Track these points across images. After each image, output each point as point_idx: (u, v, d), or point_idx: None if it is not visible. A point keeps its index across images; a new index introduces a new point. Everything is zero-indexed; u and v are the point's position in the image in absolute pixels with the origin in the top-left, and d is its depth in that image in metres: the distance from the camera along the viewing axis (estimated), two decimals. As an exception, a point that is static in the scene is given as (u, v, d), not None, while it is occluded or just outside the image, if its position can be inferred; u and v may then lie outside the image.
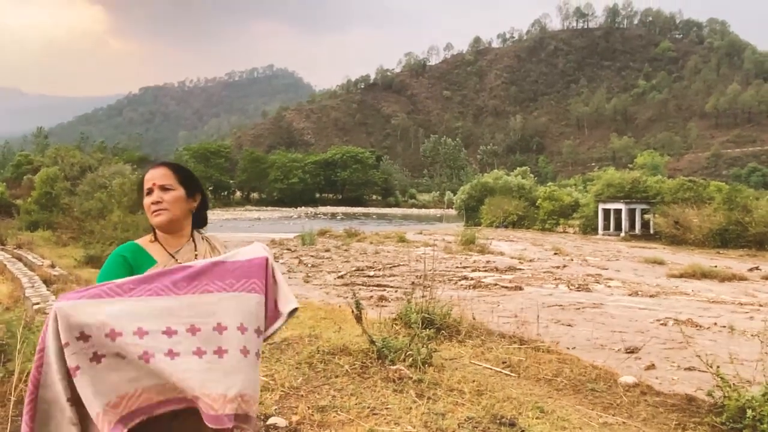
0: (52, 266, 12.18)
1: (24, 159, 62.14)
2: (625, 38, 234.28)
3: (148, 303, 1.71)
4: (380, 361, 4.29)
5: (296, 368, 4.26)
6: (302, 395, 3.70)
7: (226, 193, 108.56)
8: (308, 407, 3.46)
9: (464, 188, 61.97)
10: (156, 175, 1.96)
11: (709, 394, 4.02)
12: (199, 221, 2.10)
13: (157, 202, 1.91)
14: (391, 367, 4.17)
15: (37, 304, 7.18)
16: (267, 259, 1.89)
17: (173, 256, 1.91)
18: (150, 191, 1.94)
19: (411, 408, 3.49)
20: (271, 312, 1.85)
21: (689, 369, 9.25)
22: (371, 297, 15.92)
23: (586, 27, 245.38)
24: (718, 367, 4.79)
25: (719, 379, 4.04)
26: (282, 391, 3.78)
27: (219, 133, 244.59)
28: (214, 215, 66.18)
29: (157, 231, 1.98)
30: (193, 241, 2.04)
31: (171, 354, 1.68)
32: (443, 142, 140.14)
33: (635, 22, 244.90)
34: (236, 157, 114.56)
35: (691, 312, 13.55)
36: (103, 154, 59.29)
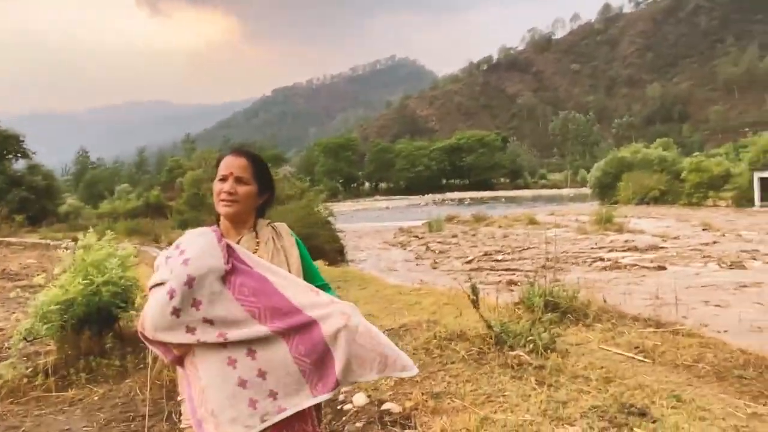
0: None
1: (175, 164, 68.10)
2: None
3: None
4: (498, 346, 4.13)
5: (413, 354, 4.22)
6: (417, 381, 3.65)
7: (354, 184, 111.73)
8: (422, 393, 3.40)
9: (598, 165, 58.78)
10: (234, 165, 1.97)
11: None
12: (260, 212, 2.09)
13: (231, 193, 1.93)
14: (510, 352, 4.00)
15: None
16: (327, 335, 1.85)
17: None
18: (225, 178, 1.96)
19: (530, 395, 3.31)
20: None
21: None
22: (499, 282, 15.58)
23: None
24: None
25: None
26: (396, 378, 3.76)
27: (346, 127, 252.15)
28: (344, 206, 68.40)
29: (221, 219, 2.00)
30: (255, 229, 2.04)
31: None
32: (573, 118, 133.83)
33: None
34: (363, 149, 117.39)
35: None
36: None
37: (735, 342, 7.92)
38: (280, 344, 1.80)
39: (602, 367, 3.90)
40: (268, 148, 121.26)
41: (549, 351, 4.09)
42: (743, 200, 41.21)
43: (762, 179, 39.91)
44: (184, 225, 31.96)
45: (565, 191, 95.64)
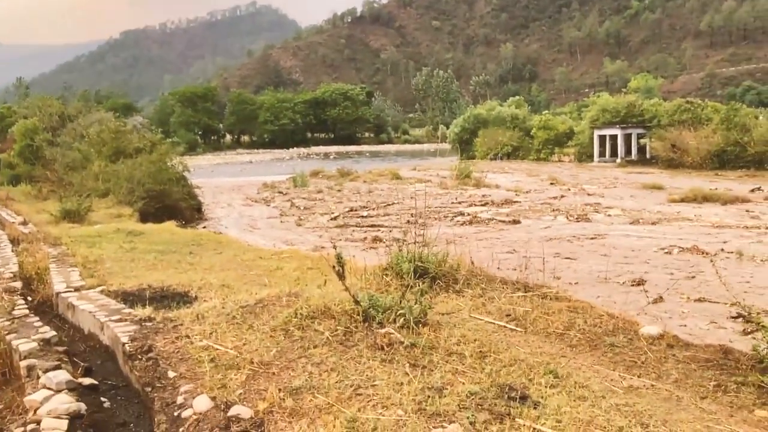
0: (24, 223, 11.53)
1: (7, 111, 60.24)
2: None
3: None
4: (366, 324, 3.72)
5: (270, 337, 3.69)
6: (274, 373, 3.15)
7: (215, 137, 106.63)
8: (279, 390, 2.91)
9: (457, 121, 60.68)
10: None
11: (755, 349, 3.48)
12: None
13: None
14: (380, 330, 3.61)
15: (-6, 268, 6.60)
16: None
17: None
18: None
19: (402, 384, 2.94)
20: None
21: (700, 300, 8.83)
22: (365, 238, 15.41)
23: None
24: (747, 305, 4.25)
25: (759, 327, 3.51)
26: (250, 369, 3.22)
27: (205, 76, 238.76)
28: (204, 160, 65.01)
29: None
30: None
31: None
32: (435, 75, 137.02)
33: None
34: (224, 99, 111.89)
35: (696, 238, 13.10)
36: (85, 102, 57.50)
37: (593, 301, 8.21)
38: None
39: (476, 340, 3.64)
40: (117, 95, 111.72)
41: (421, 325, 3.76)
42: (584, 156, 44.71)
43: (600, 137, 43.39)
44: (16, 180, 28.37)
45: (426, 146, 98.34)
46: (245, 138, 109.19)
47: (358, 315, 3.80)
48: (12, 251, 7.87)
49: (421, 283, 4.84)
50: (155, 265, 7.44)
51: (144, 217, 16.07)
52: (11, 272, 6.39)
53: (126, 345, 3.79)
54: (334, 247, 4.15)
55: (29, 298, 5.84)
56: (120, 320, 4.36)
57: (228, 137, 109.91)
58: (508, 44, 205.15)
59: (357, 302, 3.84)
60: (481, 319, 4.15)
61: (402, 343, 3.49)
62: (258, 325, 3.93)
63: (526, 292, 4.78)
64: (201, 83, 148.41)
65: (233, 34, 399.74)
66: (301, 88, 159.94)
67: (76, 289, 5.67)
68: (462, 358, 3.38)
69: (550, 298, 4.68)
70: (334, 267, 4.07)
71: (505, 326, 4.04)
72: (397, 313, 3.82)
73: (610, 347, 3.66)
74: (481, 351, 3.51)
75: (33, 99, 53.27)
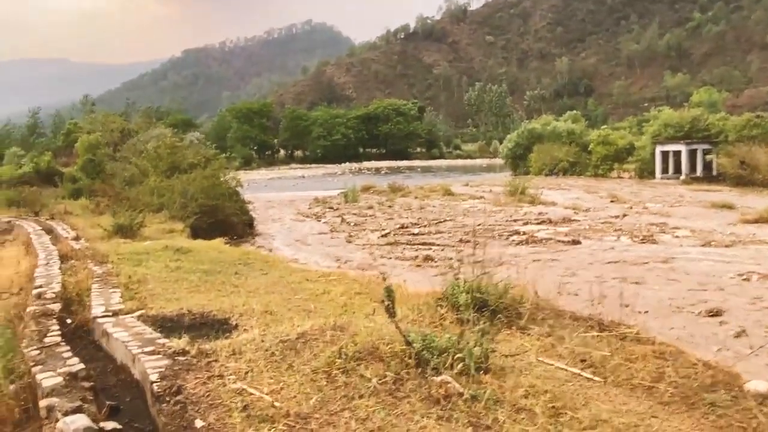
0: (77, 239, 11.60)
1: (74, 127, 62.78)
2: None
3: None
4: (420, 369, 3.25)
5: (311, 380, 3.27)
6: (312, 430, 2.71)
7: (270, 152, 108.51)
8: (318, 455, 2.46)
9: (511, 136, 59.63)
10: None
11: None
12: None
13: None
14: (435, 379, 3.13)
15: (39, 287, 6.46)
16: None
17: None
18: None
19: (463, 451, 2.45)
20: None
21: (789, 336, 7.95)
22: (416, 257, 14.91)
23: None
24: None
25: None
26: (286, 423, 2.80)
27: (261, 92, 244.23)
28: (258, 175, 66.02)
29: None
30: None
31: None
32: (488, 90, 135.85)
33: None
34: (278, 115, 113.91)
35: (777, 264, 12.04)
36: (146, 119, 59.41)
37: (661, 323, 7.47)
38: None
39: (547, 392, 3.12)
40: (177, 112, 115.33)
41: (482, 371, 3.26)
42: (646, 172, 42.97)
43: (663, 152, 41.63)
44: (77, 194, 29.18)
45: (479, 161, 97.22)
46: (298, 153, 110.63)
47: (410, 358, 3.33)
48: (59, 269, 7.79)
49: (480, 318, 4.34)
50: (198, 287, 7.19)
51: (195, 233, 16.07)
52: (53, 293, 6.23)
53: (154, 384, 3.45)
54: (384, 279, 3.70)
55: (68, 321, 5.64)
56: (152, 353, 4.03)
57: (282, 152, 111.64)
58: (563, 58, 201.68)
59: (409, 343, 3.37)
60: (551, 364, 3.62)
61: (461, 395, 3.01)
62: (298, 364, 3.52)
63: (601, 332, 4.21)
64: (257, 99, 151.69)
65: (289, 51, 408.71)
66: (354, 103, 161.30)
67: (114, 314, 5.43)
68: (532, 416, 2.87)
69: (631, 340, 4.10)
70: (383, 301, 3.63)
71: (580, 374, 3.49)
72: (455, 357, 3.34)
73: (711, 407, 3.07)
74: (554, 407, 2.99)
75: (97, 115, 55.42)
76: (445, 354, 3.35)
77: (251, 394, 3.19)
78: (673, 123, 42.45)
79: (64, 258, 8.79)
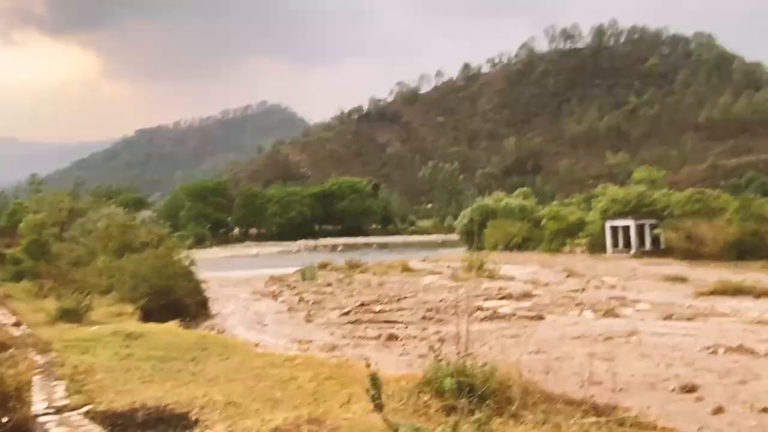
0: (17, 324, 10.76)
1: (19, 207, 60.63)
2: (613, 56, 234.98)
3: None
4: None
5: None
6: None
7: (224, 230, 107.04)
8: None
9: (465, 212, 60.75)
10: None
11: None
12: None
13: None
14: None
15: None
16: None
17: None
18: None
19: None
20: None
21: (766, 410, 7.82)
22: (379, 336, 14.46)
23: (573, 48, 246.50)
24: None
25: None
26: None
27: (215, 171, 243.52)
28: (212, 253, 64.54)
29: None
30: None
31: None
32: (440, 168, 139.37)
33: (622, 40, 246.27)
34: (233, 193, 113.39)
35: (740, 336, 12.13)
36: (96, 198, 58.01)
37: (639, 401, 7.24)
38: None
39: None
40: (128, 191, 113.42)
41: (483, 469, 2.92)
42: (597, 246, 43.99)
43: (613, 227, 42.89)
44: (19, 276, 27.68)
45: (434, 237, 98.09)
46: (253, 230, 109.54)
47: (402, 458, 2.97)
48: (-6, 360, 7.08)
49: (467, 404, 4.02)
50: (152, 376, 6.59)
51: (147, 315, 15.25)
52: (-12, 387, 5.59)
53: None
54: (368, 365, 3.37)
55: (5, 420, 5.00)
56: (102, 457, 3.53)
57: (236, 230, 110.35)
58: (511, 138, 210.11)
59: (401, 444, 3.02)
60: (555, 459, 3.30)
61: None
62: (274, 469, 3.10)
63: (598, 416, 3.93)
64: (212, 178, 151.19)
65: (244, 131, 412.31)
66: (309, 181, 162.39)
67: (58, 410, 4.85)
68: None
69: (631, 425, 3.83)
70: (367, 390, 3.29)
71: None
72: (452, 455, 2.99)
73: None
74: None
75: (44, 194, 53.85)
76: (441, 452, 3.00)
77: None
78: (620, 199, 44.07)
79: (2, 347, 8.04)
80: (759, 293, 17.64)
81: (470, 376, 4.31)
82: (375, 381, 3.21)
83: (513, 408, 4.06)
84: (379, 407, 3.10)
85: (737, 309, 15.53)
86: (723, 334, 12.28)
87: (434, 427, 3.28)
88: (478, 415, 3.20)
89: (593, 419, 3.83)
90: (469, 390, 4.23)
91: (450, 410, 3.94)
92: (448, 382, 4.19)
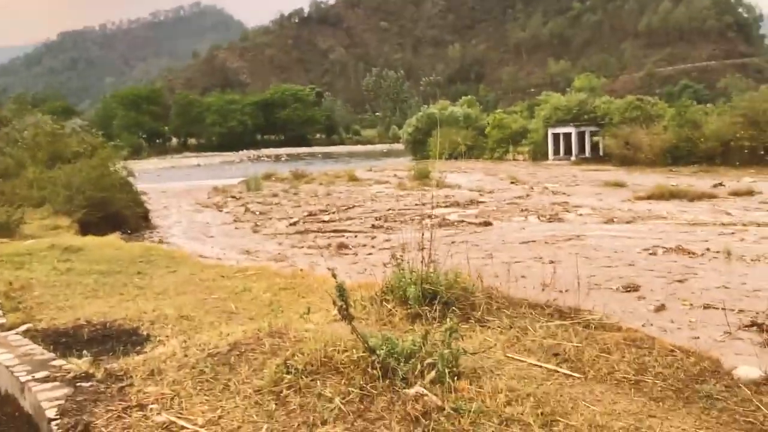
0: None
1: (-71, 117, 56.13)
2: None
3: None
4: (388, 381, 2.78)
5: (256, 404, 2.71)
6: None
7: (161, 140, 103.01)
8: None
9: (410, 121, 60.29)
10: None
11: None
12: None
13: None
14: (408, 391, 2.67)
15: None
16: None
17: None
18: None
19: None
20: None
21: (705, 307, 8.22)
22: (329, 245, 14.39)
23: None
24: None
25: None
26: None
27: (148, 78, 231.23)
28: (150, 164, 62.26)
29: None
30: None
31: None
32: (385, 75, 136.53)
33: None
34: (169, 101, 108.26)
35: (677, 237, 12.65)
36: (20, 105, 54.16)
37: (585, 301, 7.41)
38: None
39: (530, 395, 2.76)
40: (55, 98, 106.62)
41: (455, 376, 2.85)
42: (539, 154, 44.81)
43: (554, 135, 43.55)
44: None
45: (379, 147, 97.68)
46: (192, 141, 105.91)
47: (374, 368, 2.85)
48: None
49: (432, 311, 3.94)
50: (96, 291, 6.26)
51: (85, 228, 14.59)
52: None
53: (53, 423, 2.74)
54: (334, 275, 3.19)
55: (-67, 342, 4.64)
56: (47, 379, 3.28)
57: (174, 140, 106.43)
58: (455, 45, 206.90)
59: (372, 350, 2.88)
60: (523, 361, 3.27)
61: (442, 409, 2.57)
62: (236, 384, 2.93)
63: (563, 320, 3.92)
64: (145, 85, 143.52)
65: (177, 35, 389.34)
66: (249, 89, 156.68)
67: (-7, 330, 4.52)
68: (526, 428, 2.49)
69: (596, 327, 3.84)
70: (334, 302, 3.12)
71: (556, 370, 3.16)
72: (424, 363, 2.89)
73: (708, 400, 2.83)
74: (542, 413, 2.62)
75: (-40, 102, 49.94)
76: (413, 360, 2.89)
77: (183, 428, 2.58)
78: (562, 107, 44.52)
79: (-76, 265, 7.48)
80: (693, 197, 18.43)
81: (434, 283, 4.20)
82: (342, 291, 3.02)
83: (478, 314, 4.01)
84: (348, 318, 2.93)
85: (673, 212, 16.19)
86: (661, 236, 12.78)
87: (402, 335, 3.16)
88: (449, 323, 3.08)
89: (558, 322, 3.82)
90: (432, 297, 4.14)
91: (415, 318, 3.84)
92: (412, 291, 4.07)
